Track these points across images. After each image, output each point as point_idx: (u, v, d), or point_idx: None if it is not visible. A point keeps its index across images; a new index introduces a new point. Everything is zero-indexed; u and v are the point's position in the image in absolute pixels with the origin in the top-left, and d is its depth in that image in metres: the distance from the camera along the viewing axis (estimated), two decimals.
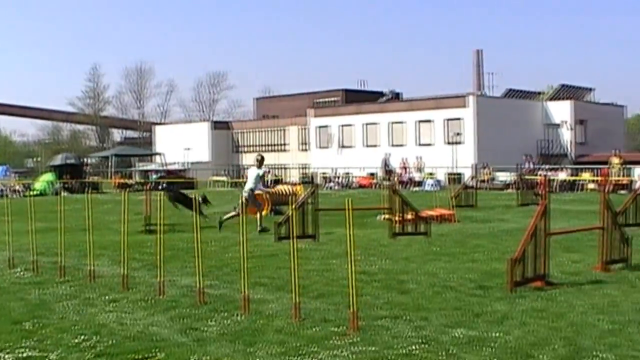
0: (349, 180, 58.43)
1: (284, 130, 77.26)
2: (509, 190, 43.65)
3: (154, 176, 60.55)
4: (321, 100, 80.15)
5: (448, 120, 60.91)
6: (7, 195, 40.09)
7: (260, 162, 22.79)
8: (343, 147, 67.48)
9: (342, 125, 68.02)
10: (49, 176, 54.07)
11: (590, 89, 74.42)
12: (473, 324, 9.71)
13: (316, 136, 70.22)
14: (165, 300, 11.55)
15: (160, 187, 50.97)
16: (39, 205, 22.06)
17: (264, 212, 26.43)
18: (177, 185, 23.72)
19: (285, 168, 69.73)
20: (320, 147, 69.48)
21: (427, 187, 49.62)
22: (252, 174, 22.80)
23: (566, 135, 64.50)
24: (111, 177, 61.99)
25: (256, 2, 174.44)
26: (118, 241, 13.61)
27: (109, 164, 67.82)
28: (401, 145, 62.22)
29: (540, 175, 43.28)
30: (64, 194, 36.07)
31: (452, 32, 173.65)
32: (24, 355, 8.73)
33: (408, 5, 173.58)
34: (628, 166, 46.84)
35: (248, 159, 77.59)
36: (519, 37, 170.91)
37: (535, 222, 12.35)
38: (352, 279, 9.32)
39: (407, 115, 63.76)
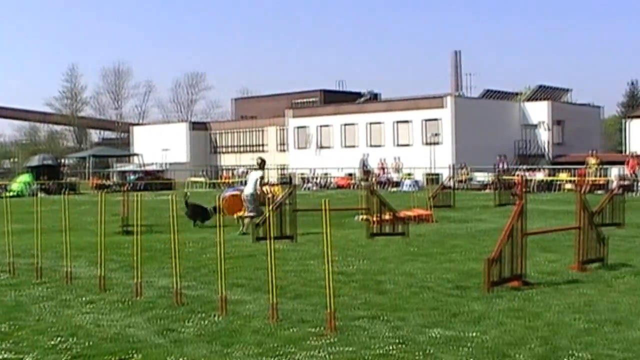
0: (327, 180, 58.46)
1: (262, 130, 77.22)
2: (487, 191, 43.82)
3: (132, 177, 60.35)
4: (299, 100, 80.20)
5: (426, 120, 61.05)
6: None
7: (260, 165, 22.62)
8: (321, 147, 67.50)
9: (321, 126, 68.05)
10: (26, 177, 53.83)
11: (568, 90, 74.81)
12: (450, 324, 9.73)
13: (294, 137, 70.21)
14: (143, 302, 11.51)
15: (138, 187, 50.96)
16: (16, 207, 21.99)
17: (240, 213, 26.41)
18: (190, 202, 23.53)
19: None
20: (298, 148, 69.47)
21: (405, 188, 49.69)
22: (252, 177, 22.47)
23: (543, 136, 64.79)
24: (89, 178, 61.80)
25: (234, 2, 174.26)
26: (95, 242, 13.57)
27: (87, 164, 67.60)
28: (379, 146, 62.33)
29: (517, 175, 43.45)
30: (41, 195, 35.93)
31: (430, 33, 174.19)
32: (0, 357, 8.68)
33: (387, 6, 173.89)
34: (605, 166, 47.09)
35: (226, 159, 77.58)
36: (497, 38, 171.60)
37: (512, 222, 12.40)
38: (329, 280, 9.32)
39: (385, 115, 63.88)
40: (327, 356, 8.38)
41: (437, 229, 22.39)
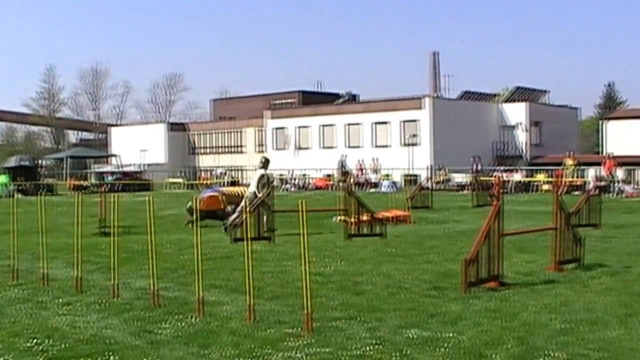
0: (305, 181, 58.42)
1: (241, 131, 77.13)
2: (465, 192, 43.92)
3: (110, 178, 60.11)
4: (278, 101, 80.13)
5: (404, 122, 61.17)
6: None
7: (264, 164, 22.60)
8: (299, 148, 67.50)
9: (299, 127, 68.06)
10: (2, 178, 53.43)
11: (545, 91, 75.14)
12: (427, 325, 9.75)
13: (273, 138, 70.19)
14: (119, 303, 11.47)
15: (116, 188, 50.76)
16: None
17: None
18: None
19: (241, 170, 69.56)
20: (276, 149, 69.41)
21: (383, 189, 49.70)
22: (256, 175, 22.42)
23: (521, 137, 65.05)
24: (66, 179, 61.48)
25: (212, 3, 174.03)
26: (72, 244, 13.48)
27: (64, 165, 67.26)
28: (357, 147, 62.40)
29: (494, 176, 43.58)
30: (18, 196, 35.77)
31: (408, 34, 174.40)
32: None
33: (365, 7, 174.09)
34: (582, 167, 47.31)
35: (204, 160, 77.46)
36: (475, 40, 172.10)
37: (488, 223, 12.44)
38: (306, 281, 9.32)
39: (364, 117, 63.97)
40: (304, 357, 8.38)
41: (415, 229, 22.44)
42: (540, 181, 47.66)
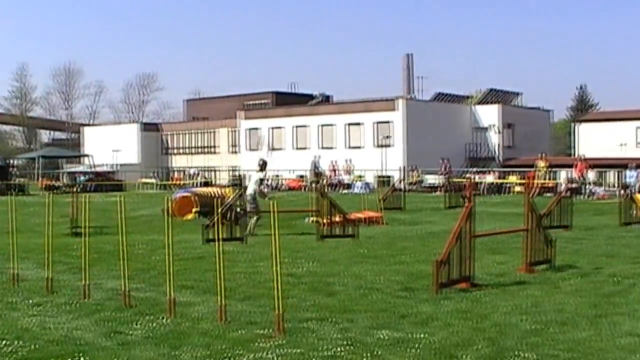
0: (278, 182, 58.40)
1: (214, 132, 76.98)
2: (437, 193, 44.05)
3: (82, 178, 59.85)
4: (251, 102, 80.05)
5: (377, 123, 61.27)
6: None
7: (262, 167, 22.77)
8: (273, 149, 67.43)
9: (272, 128, 68.02)
10: None
11: (518, 94, 75.50)
12: (398, 326, 9.77)
13: (246, 138, 70.09)
14: (90, 304, 11.42)
15: (88, 189, 50.53)
16: None
17: (190, 216, 26.39)
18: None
19: (215, 170, 69.46)
20: (250, 150, 69.30)
21: (356, 190, 49.76)
22: (254, 178, 22.73)
23: (494, 139, 65.29)
24: (38, 179, 61.14)
25: (187, 3, 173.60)
26: (43, 244, 13.41)
27: (36, 165, 66.94)
28: (331, 148, 62.44)
29: (466, 178, 43.76)
30: None
31: (382, 36, 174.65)
32: None
33: (338, 8, 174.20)
34: (554, 169, 47.59)
35: (177, 161, 77.26)
36: (448, 42, 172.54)
37: (460, 224, 12.49)
38: (277, 282, 9.31)
39: (337, 118, 64.02)
40: (275, 358, 8.38)
41: (387, 231, 22.49)
42: (512, 183, 47.92)
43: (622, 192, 24.99)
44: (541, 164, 46.42)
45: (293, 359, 8.37)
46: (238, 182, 21.71)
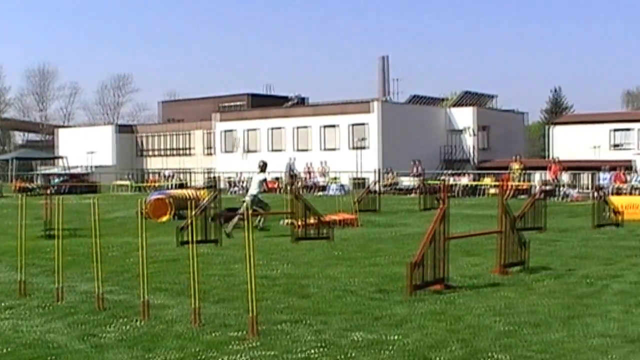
0: None
1: (189, 134, 76.80)
2: (412, 195, 44.11)
3: (56, 180, 59.57)
4: (226, 104, 79.84)
5: (353, 125, 61.30)
6: None
7: (262, 168, 23.16)
8: (248, 151, 67.32)
9: (248, 130, 67.91)
10: None
11: (493, 96, 75.67)
12: (372, 328, 9.78)
13: (221, 140, 69.96)
14: (64, 307, 11.37)
15: (63, 191, 50.33)
16: None
17: (165, 218, 26.35)
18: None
19: (190, 172, 69.29)
20: (225, 152, 69.20)
21: (331, 192, 49.75)
22: (255, 179, 22.96)
23: (469, 141, 65.46)
24: (12, 181, 60.75)
25: (161, 3, 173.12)
26: (16, 246, 13.35)
27: (10, 167, 66.51)
28: (306, 150, 62.44)
29: (441, 180, 43.86)
30: None
31: (358, 38, 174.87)
32: None
33: (314, 10, 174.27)
34: (528, 172, 47.78)
35: (152, 163, 77.00)
36: (424, 44, 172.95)
37: (434, 226, 12.52)
38: (251, 284, 9.31)
39: (312, 120, 64.01)
40: None
41: (362, 233, 22.52)
42: (487, 185, 48.06)
43: (596, 194, 25.06)
44: (515, 166, 46.61)
45: None
46: (213, 184, 21.68)
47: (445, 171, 54.13)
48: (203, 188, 43.64)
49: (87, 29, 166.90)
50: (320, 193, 50.57)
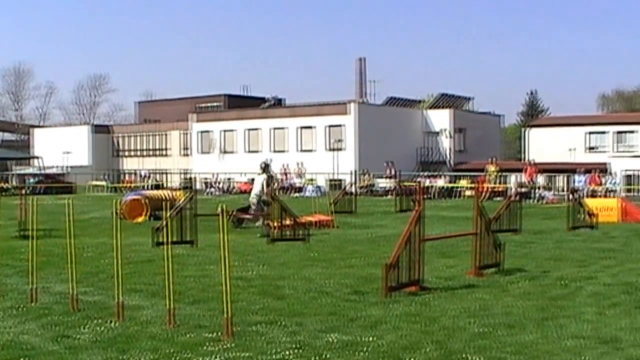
0: (230, 185, 58.27)
1: (166, 134, 76.60)
2: (389, 197, 44.19)
3: (32, 180, 59.27)
4: (203, 105, 79.68)
5: (329, 127, 61.34)
6: None
7: (264, 169, 23.31)
8: (225, 152, 67.27)
9: (224, 131, 67.83)
10: None
11: (469, 99, 75.88)
12: (347, 329, 9.80)
13: (198, 141, 69.83)
14: (38, 308, 11.32)
15: (38, 191, 50.09)
16: None
17: (141, 219, 26.28)
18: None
19: (166, 173, 69.12)
20: (201, 152, 69.10)
21: (307, 193, 49.80)
22: (258, 180, 23.07)
23: (445, 143, 65.64)
24: None
25: (138, 3, 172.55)
26: None
27: None
28: (283, 151, 62.42)
29: (416, 182, 43.96)
30: None
31: (335, 39, 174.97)
32: None
33: (291, 11, 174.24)
34: (504, 174, 47.99)
35: (129, 163, 76.72)
36: (401, 46, 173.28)
37: (409, 228, 12.54)
38: (226, 285, 9.30)
39: (289, 121, 64.00)
40: None
41: (338, 234, 22.54)
42: (463, 187, 48.19)
43: (571, 196, 25.19)
44: (491, 168, 46.81)
45: None
46: (189, 185, 21.67)
47: (421, 173, 54.25)
48: (179, 189, 43.57)
49: (63, 28, 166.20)
50: (297, 194, 50.58)
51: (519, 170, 46.98)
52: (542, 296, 12.14)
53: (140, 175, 64.20)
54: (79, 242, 16.32)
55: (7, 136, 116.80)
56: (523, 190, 39.99)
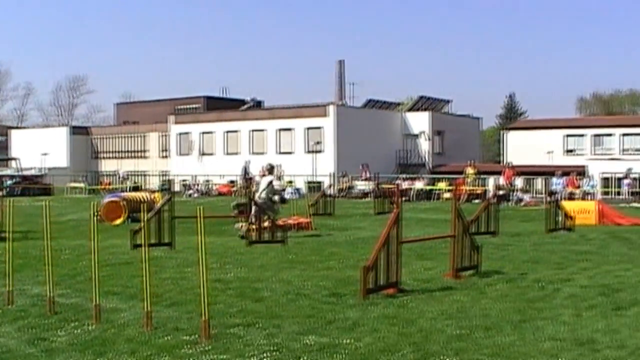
0: (208, 187, 58.20)
1: (144, 136, 76.48)
2: (367, 199, 44.20)
3: (9, 182, 58.94)
4: (182, 107, 79.63)
5: (308, 129, 61.40)
6: None
7: (269, 171, 23.27)
8: (203, 154, 67.19)
9: (203, 133, 67.78)
10: None
11: (448, 101, 76.19)
12: (325, 331, 9.79)
13: (177, 143, 69.73)
14: (14, 310, 11.24)
15: (15, 193, 49.81)
16: None
17: (119, 221, 26.19)
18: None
19: (145, 175, 68.97)
20: (180, 154, 69.03)
21: (286, 195, 49.70)
22: (263, 182, 22.94)
23: (424, 146, 65.84)
24: None
25: (117, 4, 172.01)
26: None
27: None
28: (262, 153, 62.38)
29: (395, 184, 44.06)
30: None
31: (314, 42, 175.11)
32: None
33: (271, 13, 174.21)
34: (482, 176, 48.16)
35: (107, 165, 76.52)
36: (380, 49, 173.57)
37: (387, 230, 12.56)
38: (204, 287, 9.28)
39: (268, 123, 64.02)
40: None
41: (316, 236, 22.52)
42: (441, 189, 48.33)
43: (549, 199, 25.30)
44: (470, 170, 46.96)
45: None
46: (167, 187, 21.60)
47: (400, 175, 54.34)
48: (157, 191, 43.47)
49: (41, 29, 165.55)
50: (276, 196, 50.46)
51: (498, 173, 47.14)
52: (519, 298, 12.18)
53: (119, 176, 64.00)
54: (57, 244, 16.27)
55: None
56: (501, 192, 40.07)
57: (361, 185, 50.91)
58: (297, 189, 51.77)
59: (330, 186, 38.09)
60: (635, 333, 9.74)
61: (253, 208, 21.36)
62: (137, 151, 76.59)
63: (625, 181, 47.02)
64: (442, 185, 49.15)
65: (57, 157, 74.97)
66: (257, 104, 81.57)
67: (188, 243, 19.16)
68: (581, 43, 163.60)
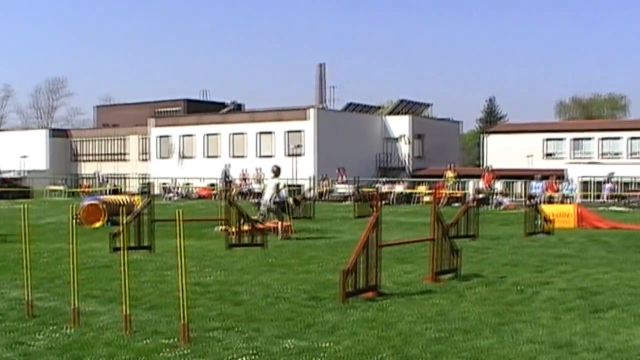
0: (188, 190, 58.09)
1: (124, 139, 76.24)
2: (347, 202, 44.24)
3: None
4: (162, 109, 79.49)
5: (289, 132, 61.39)
6: None
7: (276, 173, 23.54)
8: (184, 157, 67.08)
9: (183, 136, 67.65)
10: None
11: (428, 105, 76.32)
12: (304, 335, 9.79)
13: (157, 146, 69.57)
14: None
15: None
16: None
17: (98, 224, 26.12)
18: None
19: (125, 178, 68.77)
20: (160, 157, 68.87)
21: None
22: (270, 184, 23.28)
23: (404, 149, 65.93)
24: None
25: (98, 5, 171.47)
26: None
27: None
28: (242, 157, 62.37)
29: (374, 188, 44.10)
30: None
31: (296, 45, 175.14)
32: None
33: (251, 16, 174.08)
34: (462, 180, 48.29)
35: (87, 168, 76.21)
36: (360, 52, 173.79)
37: (367, 233, 12.57)
38: (183, 291, 9.26)
39: (249, 126, 63.97)
40: None
41: (296, 240, 22.51)
42: (421, 193, 48.43)
43: (528, 202, 25.39)
44: (450, 174, 47.08)
45: None
46: (147, 190, 21.54)
47: (380, 179, 54.41)
48: (137, 194, 43.35)
49: (20, 30, 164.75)
50: (256, 200, 50.43)
51: (477, 177, 47.27)
52: (498, 301, 12.21)
53: (98, 176, 63.84)
54: (35, 247, 16.19)
55: None
56: (481, 196, 40.17)
57: (341, 189, 50.95)
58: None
59: (310, 189, 38.04)
60: (613, 336, 9.79)
61: (261, 208, 21.57)
62: (117, 154, 76.34)
63: (607, 185, 47.23)
64: (422, 188, 49.26)
65: (37, 159, 74.64)
66: (238, 107, 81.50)
67: (167, 246, 19.12)
68: (561, 47, 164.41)
